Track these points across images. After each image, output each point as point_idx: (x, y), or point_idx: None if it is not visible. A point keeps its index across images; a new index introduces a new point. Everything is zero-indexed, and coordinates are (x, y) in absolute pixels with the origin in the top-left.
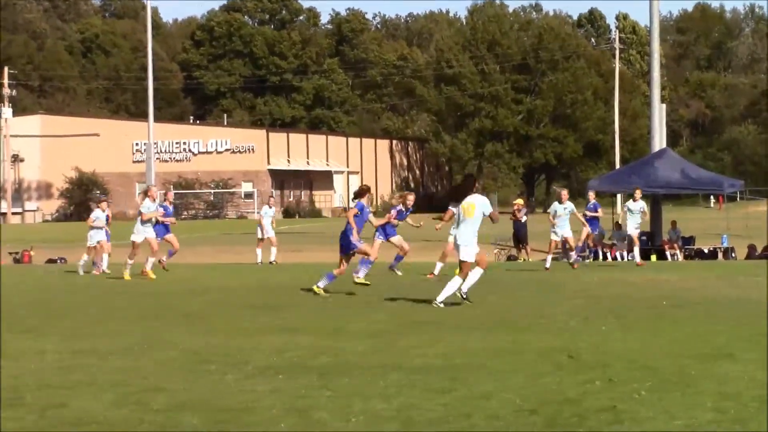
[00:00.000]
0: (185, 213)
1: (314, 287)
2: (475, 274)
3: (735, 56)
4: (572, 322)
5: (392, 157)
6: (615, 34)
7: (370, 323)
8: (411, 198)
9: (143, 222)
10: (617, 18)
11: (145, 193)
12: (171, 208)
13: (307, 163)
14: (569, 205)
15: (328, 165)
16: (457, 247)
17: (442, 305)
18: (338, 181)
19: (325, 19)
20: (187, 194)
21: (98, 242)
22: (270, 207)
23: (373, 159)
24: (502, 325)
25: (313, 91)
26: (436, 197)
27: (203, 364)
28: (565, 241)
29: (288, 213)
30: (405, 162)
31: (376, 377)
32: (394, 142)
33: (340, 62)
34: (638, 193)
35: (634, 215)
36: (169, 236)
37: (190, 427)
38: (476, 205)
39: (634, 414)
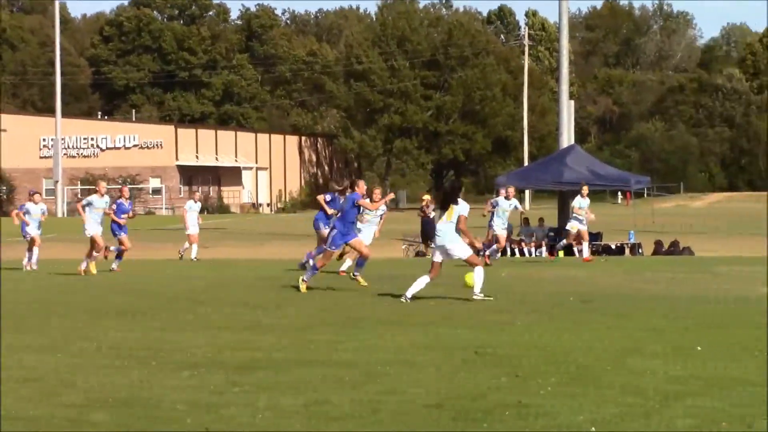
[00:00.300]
0: None
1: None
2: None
3: (643, 53)
4: (482, 318)
5: (301, 153)
6: (524, 31)
7: (284, 318)
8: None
9: (93, 218)
10: (526, 15)
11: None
12: (128, 204)
13: (216, 158)
14: (514, 201)
15: (236, 161)
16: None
17: (409, 300)
18: (247, 177)
19: (234, 14)
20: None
21: (31, 237)
22: (195, 202)
23: (282, 155)
24: (413, 321)
25: (222, 87)
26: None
27: (118, 360)
28: (496, 238)
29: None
30: (314, 158)
31: (286, 372)
32: (303, 138)
33: (249, 58)
34: (585, 190)
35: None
36: (123, 236)
37: (100, 423)
38: (455, 210)
39: (539, 409)
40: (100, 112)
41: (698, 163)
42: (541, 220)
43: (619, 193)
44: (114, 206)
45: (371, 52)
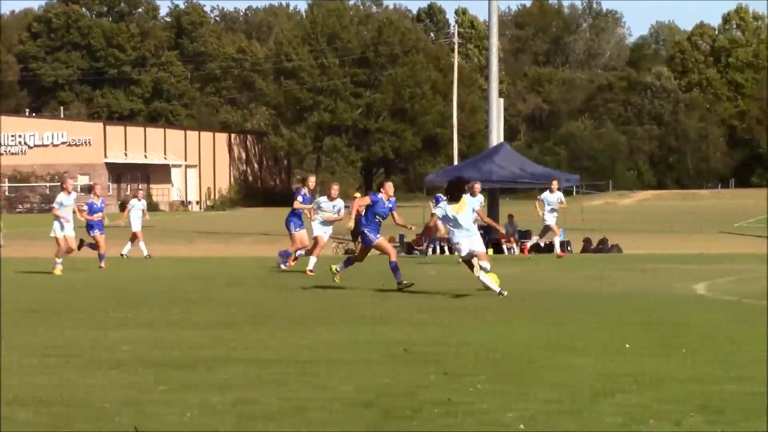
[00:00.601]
0: (20, 206)
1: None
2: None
3: (572, 51)
4: (412, 315)
5: (231, 150)
6: (454, 29)
7: (214, 316)
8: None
9: (57, 217)
10: (456, 12)
11: (61, 186)
12: (100, 202)
13: (145, 156)
14: (480, 198)
15: (166, 158)
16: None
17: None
18: (176, 174)
19: (164, 11)
20: (22, 188)
21: None
22: (140, 200)
23: (212, 153)
24: (343, 319)
25: (152, 84)
26: (274, 191)
27: (45, 358)
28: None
29: (124, 206)
30: (243, 155)
31: (214, 370)
32: (233, 135)
33: (178, 55)
34: (555, 184)
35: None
36: (98, 235)
37: (25, 422)
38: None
39: (469, 406)
40: (28, 109)
41: (627, 161)
42: (510, 216)
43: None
44: (85, 206)
45: (301, 50)
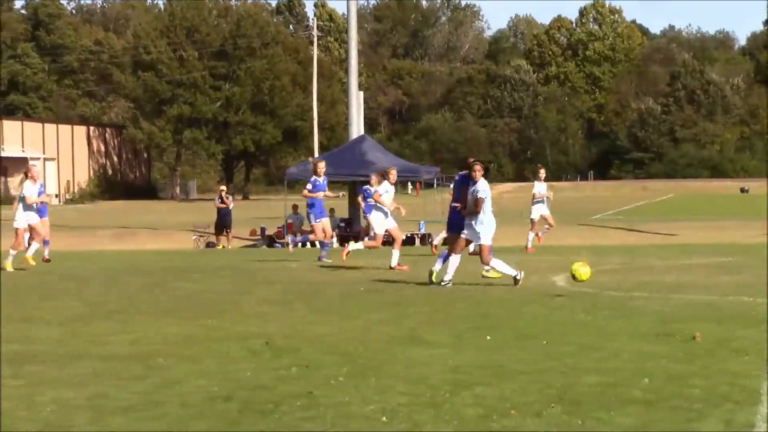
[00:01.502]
0: None
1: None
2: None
3: (431, 45)
4: (270, 308)
5: (90, 143)
6: (313, 22)
7: (62, 310)
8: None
9: (26, 207)
10: (315, 5)
11: (26, 174)
12: (39, 186)
13: (2, 149)
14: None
15: (23, 151)
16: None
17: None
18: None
19: (19, 3)
20: None
21: None
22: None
23: (70, 145)
24: (197, 312)
25: (8, 77)
26: (135, 185)
27: None
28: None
29: None
30: (103, 149)
31: (67, 365)
32: (92, 128)
33: (35, 47)
34: (542, 172)
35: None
36: (45, 220)
37: None
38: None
39: (329, 399)
40: None
41: (487, 154)
42: (332, 210)
43: (409, 184)
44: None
45: (159, 43)
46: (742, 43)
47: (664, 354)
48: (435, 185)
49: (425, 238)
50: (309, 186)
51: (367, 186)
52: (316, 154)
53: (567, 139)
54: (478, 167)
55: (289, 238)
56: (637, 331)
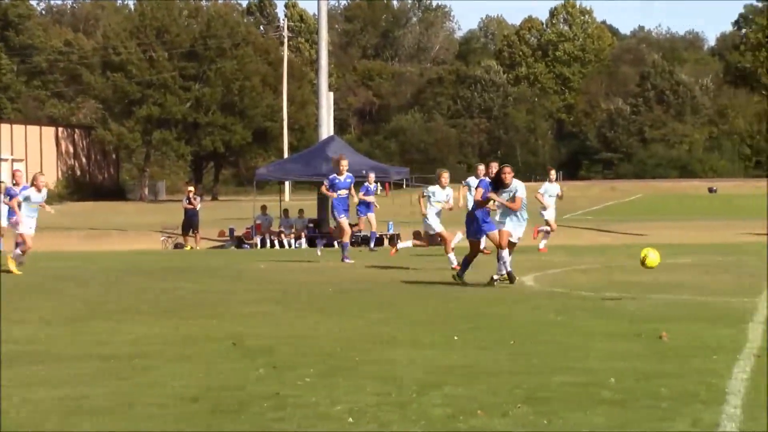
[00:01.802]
0: None
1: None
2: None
3: (402, 45)
4: (238, 309)
5: (58, 144)
6: (283, 22)
7: (39, 313)
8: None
9: (30, 213)
10: (286, 6)
11: (32, 182)
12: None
13: None
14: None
15: None
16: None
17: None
18: (3, 168)
19: None
20: None
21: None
22: None
23: (39, 147)
24: (169, 313)
25: None
26: (103, 186)
27: None
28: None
29: None
30: (71, 150)
31: (41, 367)
32: (60, 129)
33: (4, 48)
34: (553, 174)
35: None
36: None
37: None
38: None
39: (297, 399)
40: None
41: (457, 154)
42: (301, 211)
43: (379, 184)
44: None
45: (129, 43)
46: (712, 44)
47: (634, 354)
48: (405, 185)
49: (394, 239)
50: (326, 183)
51: (367, 183)
52: (286, 155)
53: (536, 139)
54: (507, 170)
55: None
56: (608, 330)
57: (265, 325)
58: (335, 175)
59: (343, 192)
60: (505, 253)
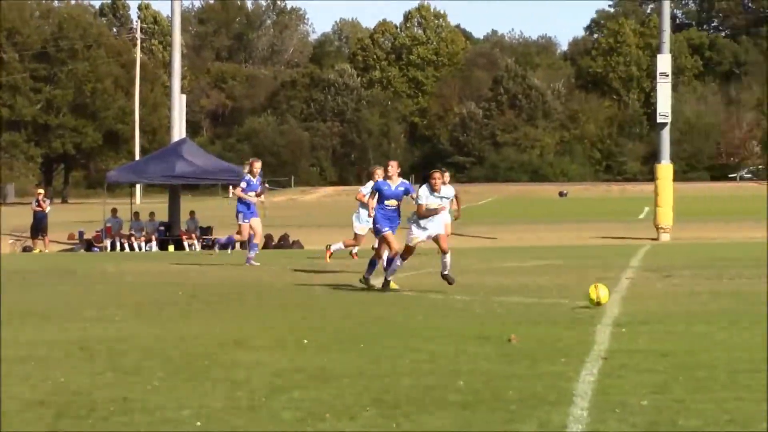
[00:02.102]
0: None
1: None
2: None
3: (256, 48)
4: (84, 312)
5: None
6: (137, 24)
7: None
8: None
9: None
10: (140, 7)
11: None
12: None
13: None
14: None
15: None
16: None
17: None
18: None
19: None
20: None
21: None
22: None
23: None
24: (15, 317)
25: None
26: None
27: None
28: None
29: None
30: None
31: None
32: None
33: None
34: (446, 176)
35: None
36: None
37: None
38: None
39: (145, 404)
40: None
41: (310, 157)
42: (152, 214)
43: (231, 187)
44: None
45: None
46: (564, 49)
47: (482, 356)
48: None
49: (244, 242)
50: (243, 185)
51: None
52: (137, 158)
53: (390, 142)
54: (437, 175)
55: (216, 239)
56: (456, 333)
57: (112, 329)
58: (250, 177)
59: (253, 195)
60: (448, 256)
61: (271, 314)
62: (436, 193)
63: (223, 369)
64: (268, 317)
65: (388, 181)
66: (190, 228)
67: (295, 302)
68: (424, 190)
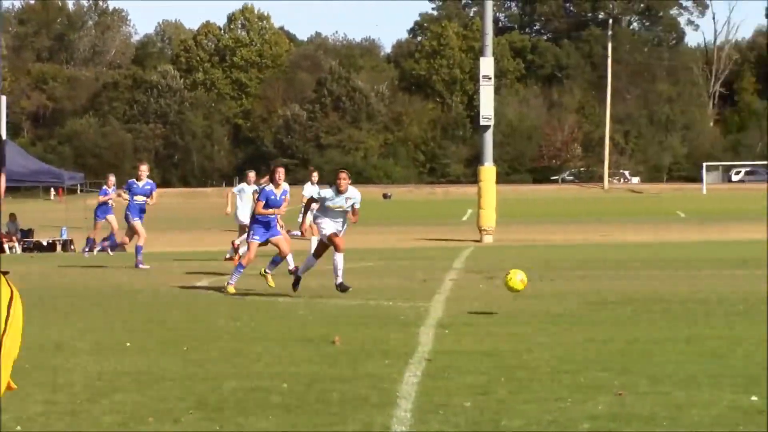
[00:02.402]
0: None
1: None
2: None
3: (77, 49)
4: None
5: None
6: None
7: None
8: None
9: None
10: None
11: None
12: None
13: None
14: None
15: None
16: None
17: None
18: None
19: None
20: None
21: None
22: None
23: None
24: None
25: None
26: None
27: None
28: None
29: None
30: None
31: None
32: None
33: None
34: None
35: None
36: None
37: None
38: None
39: None
40: None
41: (132, 159)
42: (12, 215)
43: (52, 189)
44: None
45: None
46: (388, 51)
47: (306, 358)
48: (79, 191)
49: (67, 245)
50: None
51: (105, 187)
52: None
53: (213, 144)
54: (343, 175)
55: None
56: (281, 335)
57: None
58: (135, 180)
59: (140, 198)
60: (339, 257)
61: (93, 318)
62: (341, 194)
63: (45, 372)
64: (89, 321)
65: (275, 189)
66: (10, 231)
67: (117, 306)
68: (328, 191)
